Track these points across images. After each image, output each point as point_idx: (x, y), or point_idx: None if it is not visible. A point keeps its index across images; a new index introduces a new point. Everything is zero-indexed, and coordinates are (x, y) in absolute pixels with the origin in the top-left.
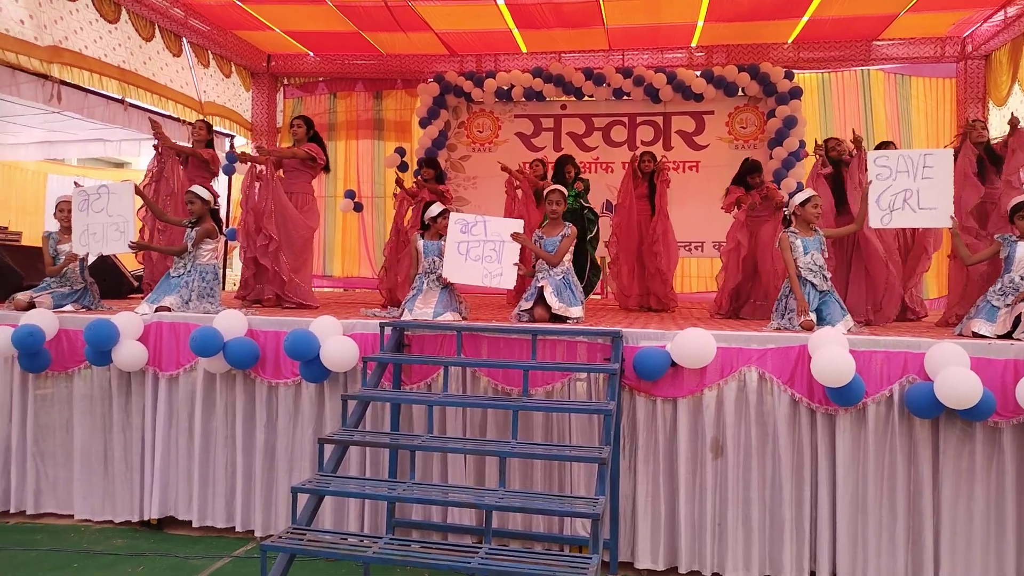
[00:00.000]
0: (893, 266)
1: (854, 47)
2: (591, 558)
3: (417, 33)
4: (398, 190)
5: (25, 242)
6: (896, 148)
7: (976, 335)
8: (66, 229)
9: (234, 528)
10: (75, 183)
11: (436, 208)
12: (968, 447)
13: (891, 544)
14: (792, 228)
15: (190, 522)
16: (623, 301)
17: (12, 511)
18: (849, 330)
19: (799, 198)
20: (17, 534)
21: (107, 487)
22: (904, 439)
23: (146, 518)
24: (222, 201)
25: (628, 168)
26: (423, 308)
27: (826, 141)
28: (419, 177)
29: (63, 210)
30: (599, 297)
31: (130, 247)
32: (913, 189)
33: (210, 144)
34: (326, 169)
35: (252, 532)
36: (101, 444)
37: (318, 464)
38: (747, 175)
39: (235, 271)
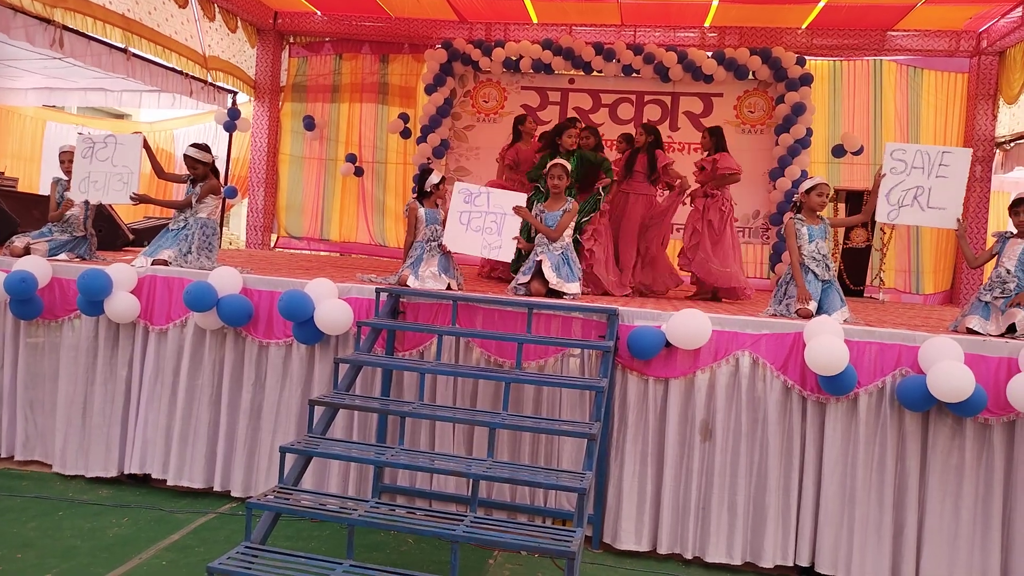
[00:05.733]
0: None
1: (868, 36)
2: (575, 531)
3: None
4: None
5: (21, 188)
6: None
7: (971, 331)
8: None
9: (212, 488)
10: (79, 133)
11: (436, 176)
12: (958, 443)
13: (876, 536)
14: (799, 215)
15: (166, 480)
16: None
17: (3, 455)
18: (846, 320)
19: (806, 185)
20: (3, 479)
21: (83, 439)
22: (894, 431)
23: (126, 472)
24: (220, 158)
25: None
26: (427, 270)
27: None
28: None
29: (63, 161)
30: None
31: (132, 199)
32: (925, 187)
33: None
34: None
35: (229, 492)
36: (83, 395)
37: (308, 425)
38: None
39: (231, 229)
